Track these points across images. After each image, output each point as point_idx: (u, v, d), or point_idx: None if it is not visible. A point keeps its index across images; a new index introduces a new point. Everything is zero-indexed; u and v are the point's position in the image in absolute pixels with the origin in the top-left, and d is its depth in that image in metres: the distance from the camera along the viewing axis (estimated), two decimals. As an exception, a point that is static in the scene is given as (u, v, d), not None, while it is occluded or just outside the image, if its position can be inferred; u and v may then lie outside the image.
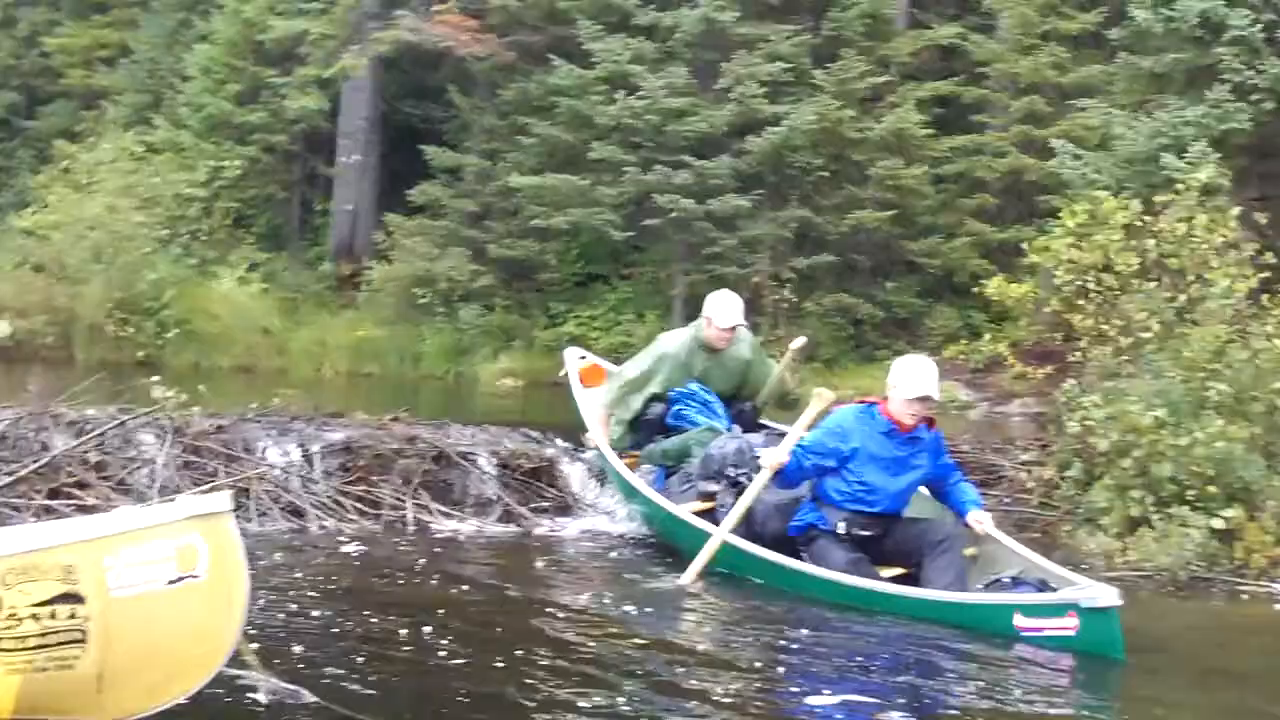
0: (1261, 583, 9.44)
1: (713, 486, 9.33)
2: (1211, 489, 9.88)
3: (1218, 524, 9.72)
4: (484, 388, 21.96)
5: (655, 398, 10.16)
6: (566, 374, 11.53)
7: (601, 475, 10.99)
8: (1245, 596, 9.22)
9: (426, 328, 23.78)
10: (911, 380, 8.28)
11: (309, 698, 5.47)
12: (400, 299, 23.97)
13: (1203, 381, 10.42)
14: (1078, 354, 11.31)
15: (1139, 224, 11.40)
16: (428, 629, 6.84)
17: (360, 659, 6.24)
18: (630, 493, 10.07)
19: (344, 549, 8.85)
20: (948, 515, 8.66)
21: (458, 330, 23.58)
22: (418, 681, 6.07)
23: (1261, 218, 12.11)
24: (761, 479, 8.51)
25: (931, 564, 8.14)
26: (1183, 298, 10.96)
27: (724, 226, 21.80)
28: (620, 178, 21.88)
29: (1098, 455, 10.62)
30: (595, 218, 22.04)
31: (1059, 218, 11.39)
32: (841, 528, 8.30)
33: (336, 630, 6.77)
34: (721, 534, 8.50)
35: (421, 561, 8.75)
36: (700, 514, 9.16)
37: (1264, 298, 11.00)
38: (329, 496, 9.80)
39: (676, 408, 10.11)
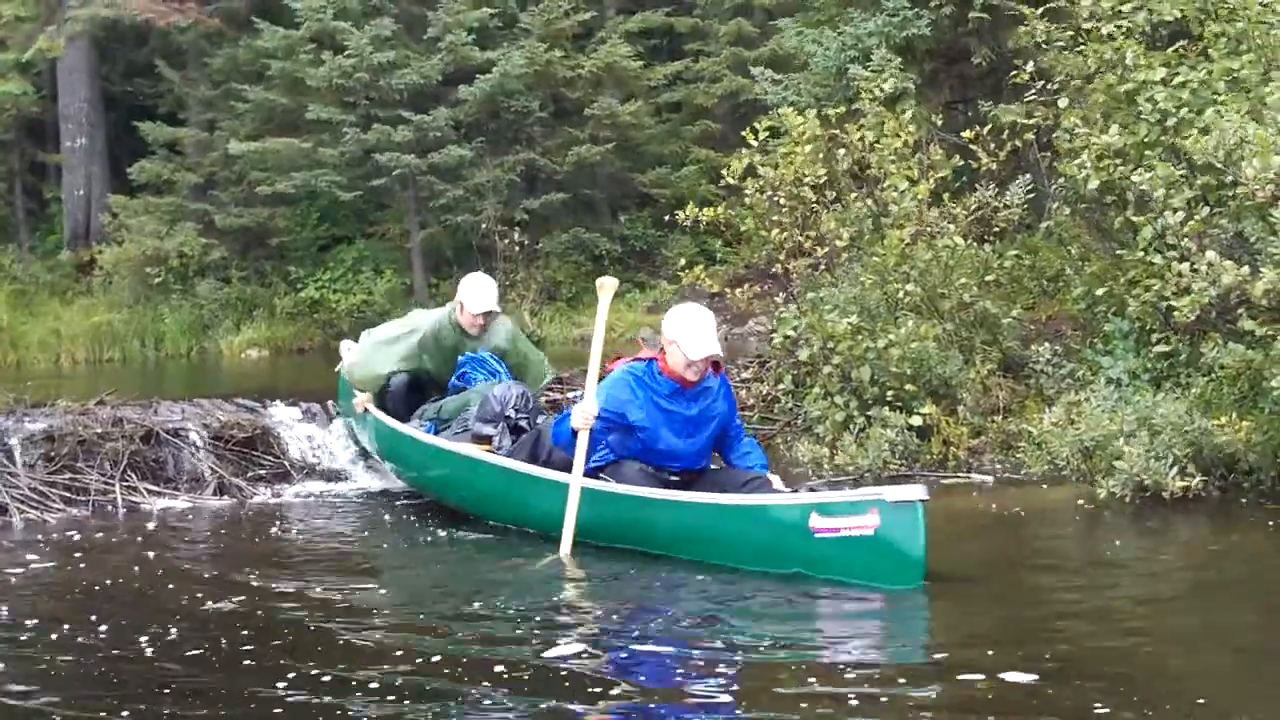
0: (960, 474, 9.78)
1: (489, 430, 9.10)
2: (911, 388, 10.19)
3: (916, 421, 10.04)
4: (229, 361, 21.64)
5: (401, 371, 9.99)
6: (343, 366, 10.72)
7: (331, 440, 10.95)
8: (946, 486, 9.47)
9: (165, 307, 23.34)
10: (693, 342, 7.66)
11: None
12: (134, 280, 23.51)
13: (894, 284, 10.72)
14: (776, 268, 11.52)
15: (831, 135, 11.59)
16: (129, 616, 6.65)
17: (56, 652, 5.99)
18: (395, 441, 9.83)
19: (49, 540, 8.67)
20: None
21: (197, 306, 23.22)
22: (120, 668, 5.73)
23: (938, 120, 12.39)
24: (582, 441, 7.78)
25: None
26: (870, 203, 11.20)
27: (448, 177, 21.75)
28: (341, 138, 21.66)
29: (803, 365, 10.90)
30: (320, 179, 21.78)
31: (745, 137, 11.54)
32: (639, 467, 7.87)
33: (32, 625, 6.52)
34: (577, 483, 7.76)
35: (129, 543, 8.63)
36: None
37: (945, 197, 11.28)
38: (31, 488, 9.62)
39: (463, 370, 9.90)
